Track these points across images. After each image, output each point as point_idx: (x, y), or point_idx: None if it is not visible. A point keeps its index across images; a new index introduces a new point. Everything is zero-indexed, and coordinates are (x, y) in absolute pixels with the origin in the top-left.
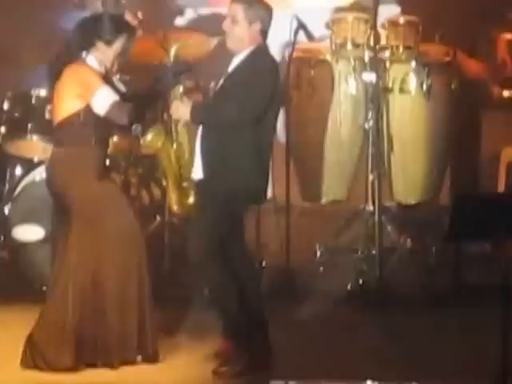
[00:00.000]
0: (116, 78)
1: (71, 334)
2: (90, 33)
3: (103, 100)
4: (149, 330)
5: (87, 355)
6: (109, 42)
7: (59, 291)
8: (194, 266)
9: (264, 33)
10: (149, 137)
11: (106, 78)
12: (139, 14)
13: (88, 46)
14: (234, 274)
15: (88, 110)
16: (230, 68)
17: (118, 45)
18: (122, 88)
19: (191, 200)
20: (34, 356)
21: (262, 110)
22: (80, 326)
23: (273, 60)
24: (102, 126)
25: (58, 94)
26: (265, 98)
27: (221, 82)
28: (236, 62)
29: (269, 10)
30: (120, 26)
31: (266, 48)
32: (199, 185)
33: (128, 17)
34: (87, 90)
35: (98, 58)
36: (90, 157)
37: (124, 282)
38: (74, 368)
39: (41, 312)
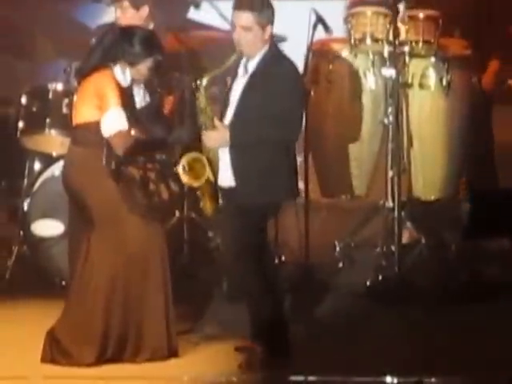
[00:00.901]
0: (141, 87)
1: (95, 330)
2: (113, 51)
3: (110, 123)
4: (169, 324)
5: (110, 351)
6: (132, 64)
7: (83, 288)
8: (233, 269)
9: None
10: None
11: (128, 92)
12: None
13: (111, 60)
14: (265, 273)
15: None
16: (245, 72)
17: (142, 66)
18: (147, 98)
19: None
20: (56, 351)
21: (302, 122)
22: (103, 322)
23: (291, 63)
24: None
25: (79, 96)
26: (302, 109)
27: (238, 86)
28: (252, 66)
29: (273, 8)
30: (146, 50)
31: (278, 49)
32: (229, 192)
33: (156, 38)
34: (103, 104)
35: (124, 69)
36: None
37: (145, 278)
38: (95, 364)
39: (64, 309)
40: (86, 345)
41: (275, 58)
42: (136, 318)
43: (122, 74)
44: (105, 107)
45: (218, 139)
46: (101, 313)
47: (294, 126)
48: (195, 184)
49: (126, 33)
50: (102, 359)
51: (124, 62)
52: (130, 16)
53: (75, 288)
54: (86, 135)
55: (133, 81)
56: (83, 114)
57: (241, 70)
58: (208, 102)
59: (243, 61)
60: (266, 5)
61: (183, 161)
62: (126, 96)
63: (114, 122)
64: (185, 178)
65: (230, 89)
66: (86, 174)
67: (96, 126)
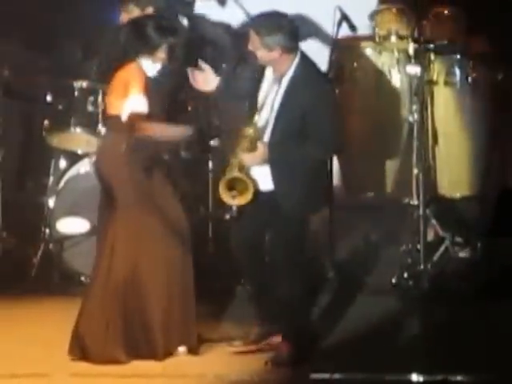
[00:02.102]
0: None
1: (117, 326)
2: (130, 46)
3: (130, 107)
4: (191, 322)
5: (132, 347)
6: (150, 53)
7: (104, 281)
8: (279, 272)
9: (291, 49)
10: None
11: (154, 81)
12: None
13: (133, 54)
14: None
15: None
16: (277, 87)
17: (159, 53)
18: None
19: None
20: (81, 347)
21: (338, 138)
22: (125, 317)
23: (324, 80)
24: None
25: (110, 91)
26: (336, 126)
27: (272, 102)
28: (284, 83)
29: (288, 29)
30: (159, 36)
31: (308, 67)
32: (268, 195)
33: (167, 22)
34: (126, 93)
35: (147, 60)
36: (139, 148)
37: (168, 272)
38: (119, 361)
39: (83, 304)
40: (108, 341)
41: (306, 77)
42: (158, 312)
43: (147, 64)
44: (127, 95)
45: (258, 159)
46: (122, 307)
47: (330, 144)
48: (243, 202)
49: (137, 25)
50: (125, 356)
51: (143, 52)
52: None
53: (96, 280)
54: (116, 124)
55: (161, 70)
56: (113, 105)
57: (272, 85)
58: (257, 129)
59: (274, 76)
60: (273, 32)
61: (224, 185)
62: (151, 85)
63: (133, 106)
64: (230, 200)
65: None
66: (116, 160)
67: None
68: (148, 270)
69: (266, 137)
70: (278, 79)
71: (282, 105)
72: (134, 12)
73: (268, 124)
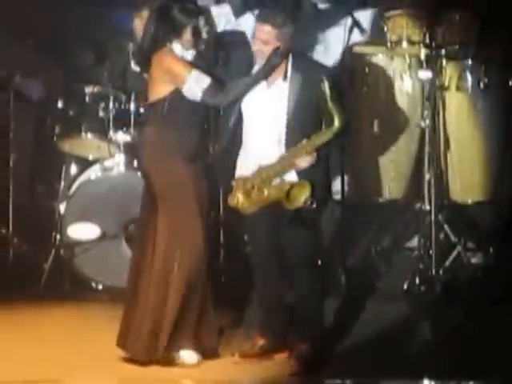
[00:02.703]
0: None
1: (147, 324)
2: (159, 33)
3: (194, 86)
4: (209, 326)
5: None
6: (178, 36)
7: (148, 280)
8: (297, 272)
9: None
10: None
11: (197, 61)
12: None
13: (163, 41)
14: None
15: (176, 95)
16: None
17: (186, 35)
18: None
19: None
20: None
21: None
22: (153, 316)
23: (322, 66)
24: (191, 110)
25: (149, 79)
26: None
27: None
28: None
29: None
30: (183, 18)
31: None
32: None
33: (191, 3)
34: (174, 77)
35: (178, 45)
36: (179, 139)
37: (194, 271)
38: (147, 361)
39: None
40: (141, 339)
41: (307, 65)
42: (176, 314)
43: (177, 49)
44: (179, 78)
45: (311, 161)
46: (159, 303)
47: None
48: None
49: (162, 9)
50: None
51: (171, 35)
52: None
53: (138, 278)
54: (159, 114)
55: (197, 55)
56: (156, 91)
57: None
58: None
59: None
60: (288, 22)
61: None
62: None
63: (197, 83)
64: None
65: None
66: (157, 153)
67: (168, 99)
68: (180, 267)
69: (280, 136)
70: (274, 78)
71: (295, 100)
72: None
73: (278, 123)
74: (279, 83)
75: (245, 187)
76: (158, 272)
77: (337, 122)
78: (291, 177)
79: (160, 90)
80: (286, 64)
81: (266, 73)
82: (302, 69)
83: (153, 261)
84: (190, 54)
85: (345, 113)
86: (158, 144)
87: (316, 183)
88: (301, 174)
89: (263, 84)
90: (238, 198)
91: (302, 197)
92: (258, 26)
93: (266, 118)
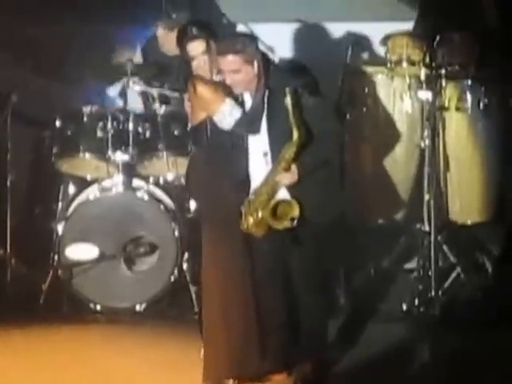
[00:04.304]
0: None
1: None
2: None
3: (226, 118)
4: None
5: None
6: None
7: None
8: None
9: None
10: None
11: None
12: None
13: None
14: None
15: (211, 120)
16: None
17: (192, 52)
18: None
19: None
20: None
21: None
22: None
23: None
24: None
25: (189, 103)
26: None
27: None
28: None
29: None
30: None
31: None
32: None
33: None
34: (207, 105)
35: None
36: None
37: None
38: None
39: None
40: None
41: (282, 80)
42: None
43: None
44: (212, 107)
45: (292, 178)
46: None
47: (331, 142)
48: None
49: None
50: None
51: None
52: (171, 39)
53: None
54: (197, 136)
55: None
56: (194, 116)
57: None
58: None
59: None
60: (247, 43)
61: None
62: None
63: (228, 115)
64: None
65: None
66: (195, 176)
67: (202, 126)
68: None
69: (267, 156)
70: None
71: (273, 117)
72: (169, 35)
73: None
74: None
75: (250, 211)
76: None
77: (296, 135)
78: (283, 196)
79: (197, 116)
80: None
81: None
82: (279, 84)
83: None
84: (212, 72)
85: (304, 125)
86: (197, 167)
87: (307, 202)
88: (293, 193)
89: (248, 101)
90: (248, 222)
91: (289, 216)
92: (221, 60)
93: (253, 137)
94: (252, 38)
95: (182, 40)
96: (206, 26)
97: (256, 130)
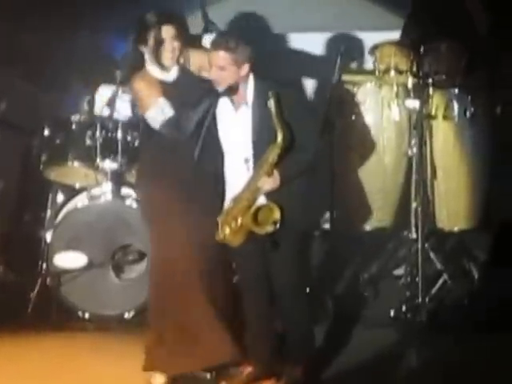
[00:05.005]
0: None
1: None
2: (130, 56)
3: (156, 117)
4: None
5: None
6: (143, 41)
7: None
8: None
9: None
10: None
11: (172, 86)
12: None
13: (140, 64)
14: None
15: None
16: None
17: (150, 40)
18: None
19: None
20: None
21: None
22: None
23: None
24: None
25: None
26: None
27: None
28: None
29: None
30: (153, 19)
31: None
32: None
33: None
34: (141, 103)
35: (154, 65)
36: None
37: None
38: None
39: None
40: None
41: (267, 87)
42: None
43: (158, 69)
44: (144, 106)
45: (274, 183)
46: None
47: (314, 148)
48: (269, 230)
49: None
50: None
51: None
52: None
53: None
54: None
55: (181, 74)
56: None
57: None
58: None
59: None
60: (240, 44)
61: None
62: (170, 89)
63: (158, 115)
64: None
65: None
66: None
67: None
68: None
69: (249, 163)
70: (239, 102)
71: (259, 124)
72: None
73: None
74: (243, 108)
75: (227, 220)
76: None
77: (279, 137)
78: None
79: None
80: (245, 89)
81: (205, 111)
82: (263, 92)
83: None
84: (170, 74)
85: (287, 128)
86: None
87: (288, 208)
88: (271, 199)
89: (231, 109)
90: (225, 232)
91: (271, 220)
92: (212, 53)
93: (235, 144)
94: (247, 43)
95: (155, 24)
96: (180, 17)
97: (183, 134)
